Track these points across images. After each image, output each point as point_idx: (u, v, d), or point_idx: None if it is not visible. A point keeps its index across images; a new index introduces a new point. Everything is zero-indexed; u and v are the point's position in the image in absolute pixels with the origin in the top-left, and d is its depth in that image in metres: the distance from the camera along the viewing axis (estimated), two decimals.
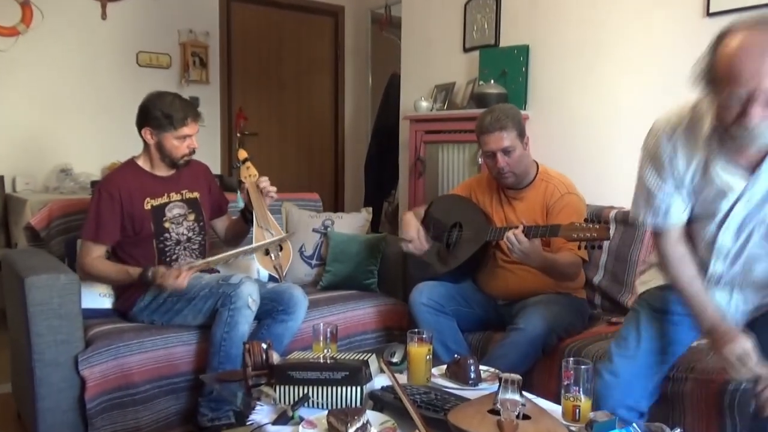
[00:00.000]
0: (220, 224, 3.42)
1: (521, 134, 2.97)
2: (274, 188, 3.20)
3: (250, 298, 2.82)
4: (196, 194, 3.19)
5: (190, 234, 3.13)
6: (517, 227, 2.69)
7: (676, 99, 3.30)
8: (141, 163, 3.10)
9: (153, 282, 2.86)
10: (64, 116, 5.31)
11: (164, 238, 3.05)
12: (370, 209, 4.09)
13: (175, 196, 3.11)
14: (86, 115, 5.40)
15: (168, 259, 3.05)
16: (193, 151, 3.07)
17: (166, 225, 3.06)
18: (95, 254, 2.95)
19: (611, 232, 3.20)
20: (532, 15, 4.03)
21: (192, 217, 3.15)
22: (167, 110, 2.96)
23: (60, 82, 5.29)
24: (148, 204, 3.03)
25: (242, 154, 3.28)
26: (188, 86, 5.85)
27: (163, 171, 3.10)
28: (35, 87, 5.18)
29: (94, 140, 5.40)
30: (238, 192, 3.28)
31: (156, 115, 2.97)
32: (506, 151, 2.94)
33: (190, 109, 3.02)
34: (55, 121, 5.27)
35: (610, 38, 3.60)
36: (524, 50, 4.01)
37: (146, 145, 3.05)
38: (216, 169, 5.85)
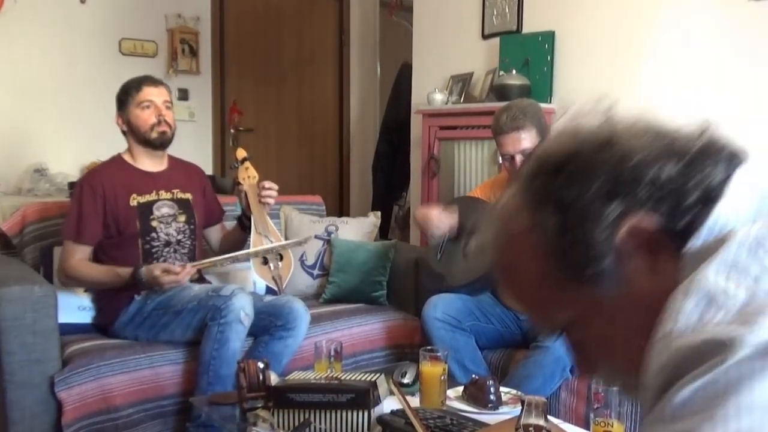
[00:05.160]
0: (215, 234, 3.44)
1: (542, 132, 2.96)
2: (274, 193, 3.21)
3: (242, 311, 2.83)
4: (188, 195, 3.23)
5: (179, 236, 3.16)
6: None
7: (719, 90, 3.32)
8: (126, 158, 3.18)
9: (147, 281, 2.89)
10: (38, 111, 5.32)
11: (151, 238, 3.09)
12: (379, 213, 4.10)
13: (164, 194, 3.16)
14: (63, 109, 5.42)
15: (155, 262, 3.07)
16: (167, 124, 3.14)
17: (154, 224, 3.10)
18: (78, 256, 2.99)
19: None
20: None
21: (183, 218, 3.18)
22: (124, 87, 3.15)
23: (34, 73, 5.30)
24: (134, 200, 3.08)
25: (241, 153, 3.30)
26: (176, 76, 5.86)
27: (149, 165, 3.17)
28: (7, 78, 5.19)
29: (72, 137, 5.42)
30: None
31: (118, 97, 3.15)
32: (525, 153, 2.93)
33: (146, 76, 3.19)
34: (29, 116, 5.29)
35: (645, 23, 3.60)
36: (549, 37, 4.02)
37: (126, 136, 3.17)
38: (208, 169, 5.85)
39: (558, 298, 0.85)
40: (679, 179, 0.79)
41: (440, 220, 3.09)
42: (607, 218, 0.79)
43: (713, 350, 0.65)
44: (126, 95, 3.13)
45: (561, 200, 0.82)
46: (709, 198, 0.78)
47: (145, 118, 3.10)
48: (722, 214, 0.76)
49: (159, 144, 3.14)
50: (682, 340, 0.68)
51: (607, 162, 0.81)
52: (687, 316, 0.70)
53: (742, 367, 0.63)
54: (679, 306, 0.71)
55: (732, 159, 0.82)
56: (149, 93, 3.12)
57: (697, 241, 0.76)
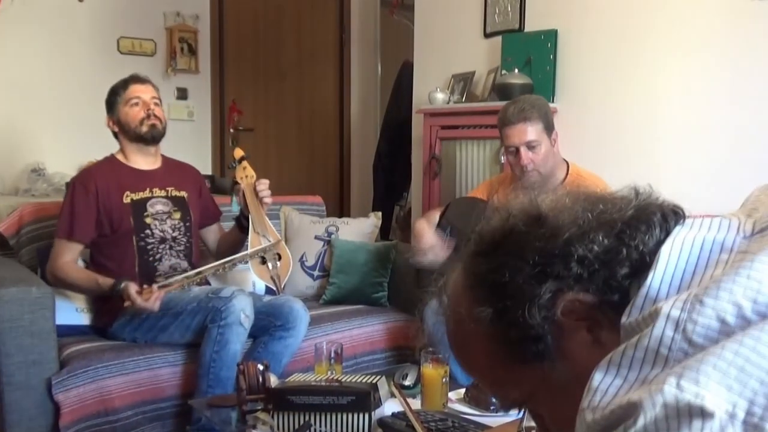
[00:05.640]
0: (212, 235, 3.44)
1: (549, 128, 2.97)
2: (269, 193, 3.21)
3: (242, 313, 2.83)
4: (183, 193, 3.25)
5: (175, 233, 3.17)
6: None
7: (726, 90, 3.31)
8: (119, 157, 3.21)
9: (123, 297, 2.88)
10: (36, 110, 5.32)
11: (145, 235, 3.10)
12: (380, 214, 4.10)
13: (158, 192, 3.18)
14: (61, 108, 5.41)
15: (151, 259, 3.10)
16: (157, 118, 3.16)
17: (148, 221, 3.11)
18: (68, 257, 3.00)
19: None
20: None
21: (178, 215, 3.19)
22: (111, 89, 3.20)
23: (32, 72, 5.30)
24: (128, 198, 3.10)
25: (238, 152, 3.31)
26: (175, 76, 5.86)
27: (143, 164, 3.20)
28: (4, 77, 5.19)
29: (69, 136, 5.41)
30: (232, 195, 3.30)
31: (106, 101, 3.19)
32: (531, 146, 2.93)
33: (132, 76, 3.24)
34: (27, 115, 5.29)
35: (650, 21, 3.59)
36: (552, 35, 4.01)
37: (117, 137, 3.20)
38: (207, 169, 5.85)
39: (508, 377, 0.86)
40: (610, 251, 0.80)
41: (438, 249, 3.08)
42: (541, 298, 0.80)
43: (626, 413, 0.66)
44: (114, 96, 3.17)
45: (495, 284, 0.83)
46: (642, 266, 0.78)
47: (134, 114, 3.13)
48: (654, 283, 0.76)
49: (150, 138, 3.16)
50: (596, 414, 0.69)
51: (538, 240, 0.82)
52: (602, 392, 0.71)
53: (655, 426, 0.64)
54: (596, 383, 0.72)
55: (667, 221, 0.82)
56: (136, 90, 3.16)
57: (631, 314, 0.76)
